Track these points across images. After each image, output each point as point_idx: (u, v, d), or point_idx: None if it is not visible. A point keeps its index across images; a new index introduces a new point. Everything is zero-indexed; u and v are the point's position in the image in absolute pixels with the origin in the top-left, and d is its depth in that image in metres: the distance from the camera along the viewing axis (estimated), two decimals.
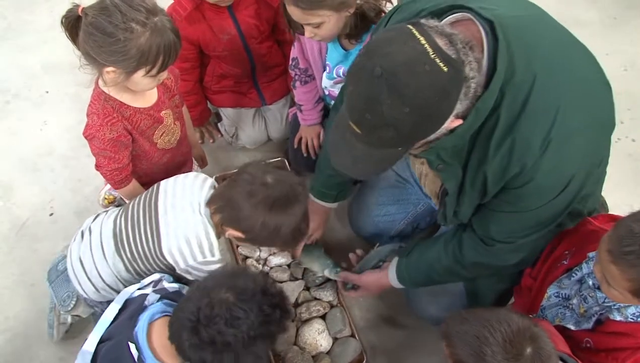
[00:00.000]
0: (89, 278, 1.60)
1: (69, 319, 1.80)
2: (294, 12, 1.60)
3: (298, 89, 2.08)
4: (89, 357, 1.26)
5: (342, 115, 1.12)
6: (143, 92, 1.63)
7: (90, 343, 1.29)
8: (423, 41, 0.99)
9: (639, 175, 2.33)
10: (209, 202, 1.49)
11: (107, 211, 1.68)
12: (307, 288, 1.97)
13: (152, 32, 1.42)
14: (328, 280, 1.97)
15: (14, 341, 1.87)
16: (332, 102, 2.08)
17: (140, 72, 1.48)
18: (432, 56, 0.97)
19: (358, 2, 1.63)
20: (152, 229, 1.49)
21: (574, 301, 1.39)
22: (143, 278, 1.42)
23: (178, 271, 1.49)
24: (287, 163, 2.28)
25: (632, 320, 1.29)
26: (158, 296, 1.37)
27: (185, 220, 1.47)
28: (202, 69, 2.20)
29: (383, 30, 1.09)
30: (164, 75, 1.55)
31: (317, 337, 1.85)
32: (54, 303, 1.75)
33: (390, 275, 1.66)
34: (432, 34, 1.01)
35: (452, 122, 1.08)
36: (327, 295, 1.93)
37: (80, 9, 1.44)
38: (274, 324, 1.20)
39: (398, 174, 1.82)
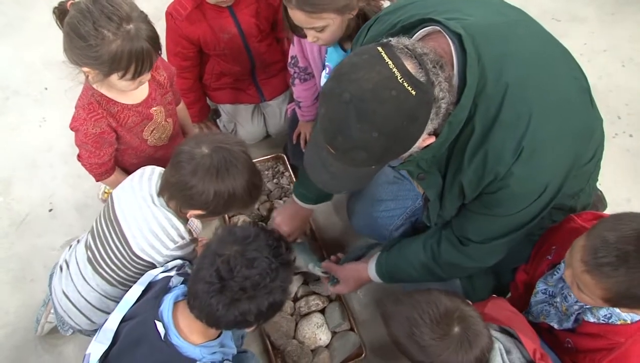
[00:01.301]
0: (78, 309, 1.61)
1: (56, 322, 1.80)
2: (298, 17, 1.58)
3: (297, 86, 2.08)
4: (111, 335, 1.28)
5: (318, 134, 1.14)
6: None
7: (113, 321, 1.30)
8: (391, 65, 1.00)
9: (637, 170, 2.34)
10: (160, 192, 1.50)
11: (78, 240, 1.69)
12: (305, 283, 1.98)
13: (124, 39, 1.42)
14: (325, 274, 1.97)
15: (14, 336, 1.88)
16: None
17: (115, 76, 1.48)
18: (400, 80, 0.99)
19: (360, 4, 1.63)
20: (119, 237, 1.50)
21: (558, 299, 1.40)
22: (130, 287, 1.41)
23: (159, 266, 1.49)
24: (286, 158, 2.29)
25: (603, 322, 1.29)
26: (182, 279, 1.39)
27: (144, 216, 1.47)
28: (202, 67, 2.20)
29: (354, 52, 1.10)
30: (145, 77, 1.55)
31: (316, 330, 1.86)
32: (49, 299, 1.75)
33: (369, 268, 1.67)
34: (402, 56, 1.02)
35: (424, 141, 1.10)
36: (325, 289, 1.94)
37: (68, 3, 1.45)
38: (285, 253, 1.26)
39: (396, 169, 1.82)
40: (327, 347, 1.86)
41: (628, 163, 2.36)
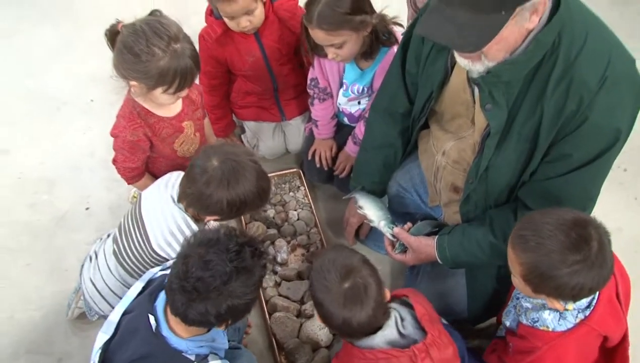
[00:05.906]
0: (102, 296, 1.76)
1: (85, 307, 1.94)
2: (318, 35, 1.76)
3: (316, 106, 2.27)
4: (113, 326, 1.41)
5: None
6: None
7: (116, 314, 1.43)
8: None
9: (629, 202, 2.41)
10: (179, 199, 1.62)
11: (109, 234, 1.85)
12: None
13: (172, 57, 1.58)
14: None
15: (48, 317, 2.08)
16: (345, 119, 2.29)
17: (159, 89, 1.65)
18: None
19: (374, 21, 1.81)
20: (141, 233, 1.63)
21: (521, 301, 1.45)
22: None
23: None
24: (302, 173, 2.46)
25: (530, 325, 1.35)
26: None
27: (165, 216, 1.60)
28: (230, 86, 2.39)
29: None
30: (183, 93, 1.72)
31: (318, 332, 1.97)
32: (80, 286, 1.91)
33: (435, 248, 1.67)
34: None
35: (531, 15, 1.17)
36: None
37: (119, 25, 1.63)
38: (247, 259, 1.27)
39: (400, 183, 1.94)
40: (327, 347, 1.97)
41: (621, 195, 2.44)
